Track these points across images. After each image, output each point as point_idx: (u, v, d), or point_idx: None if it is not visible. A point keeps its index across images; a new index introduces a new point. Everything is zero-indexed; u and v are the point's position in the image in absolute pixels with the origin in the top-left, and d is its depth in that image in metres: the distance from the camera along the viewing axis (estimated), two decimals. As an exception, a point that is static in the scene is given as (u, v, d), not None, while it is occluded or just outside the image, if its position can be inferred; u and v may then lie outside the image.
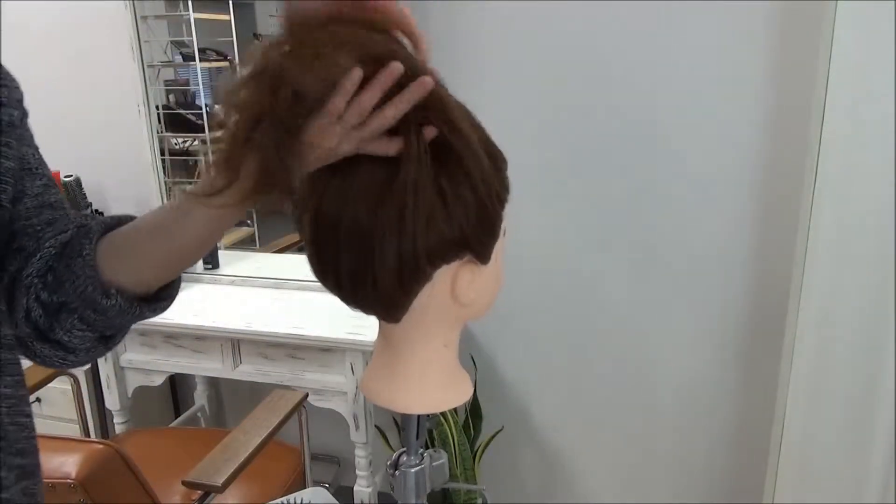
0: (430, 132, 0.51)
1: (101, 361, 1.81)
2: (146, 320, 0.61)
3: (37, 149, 0.60)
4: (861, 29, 1.23)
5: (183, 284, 0.64)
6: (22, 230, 0.58)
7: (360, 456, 1.72)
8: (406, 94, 0.49)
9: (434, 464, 0.67)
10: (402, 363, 0.58)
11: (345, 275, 0.54)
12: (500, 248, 0.58)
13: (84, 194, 1.95)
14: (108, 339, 0.62)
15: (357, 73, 0.47)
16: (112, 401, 1.85)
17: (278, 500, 1.09)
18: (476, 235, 0.54)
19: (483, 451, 1.84)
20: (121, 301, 0.56)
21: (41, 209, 0.59)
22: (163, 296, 0.61)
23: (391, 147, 0.51)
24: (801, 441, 1.47)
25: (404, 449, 0.66)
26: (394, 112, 0.49)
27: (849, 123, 1.28)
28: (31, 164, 0.59)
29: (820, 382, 1.42)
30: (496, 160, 0.56)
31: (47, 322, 0.58)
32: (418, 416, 0.64)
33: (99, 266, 0.56)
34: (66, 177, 1.91)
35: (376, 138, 0.51)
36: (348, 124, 0.49)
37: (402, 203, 0.50)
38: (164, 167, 1.95)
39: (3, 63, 0.56)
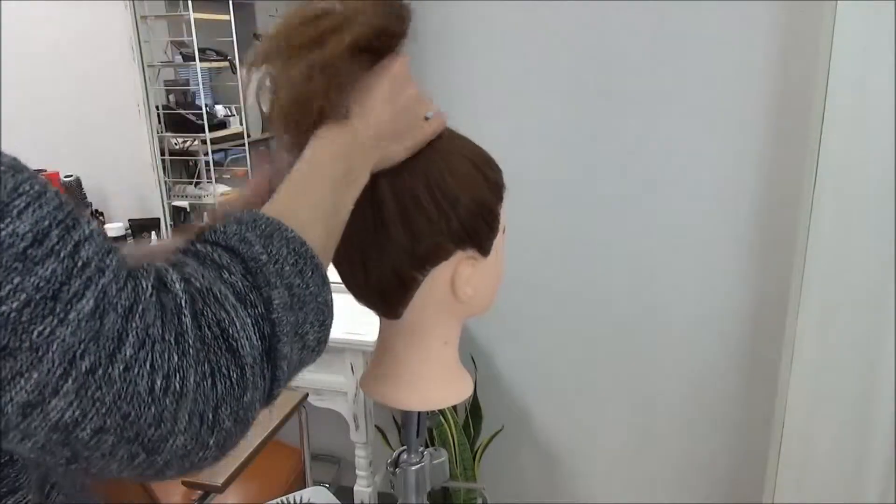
0: None
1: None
2: None
3: None
4: (861, 28, 1.24)
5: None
6: None
7: (360, 456, 1.71)
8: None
9: (434, 462, 0.67)
10: (403, 360, 0.58)
11: (346, 272, 0.55)
12: (501, 246, 0.58)
13: (84, 194, 1.95)
14: None
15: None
16: (112, 401, 1.84)
17: (278, 500, 1.09)
18: (460, 236, 0.54)
19: (483, 451, 1.84)
20: None
21: None
22: None
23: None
24: (801, 441, 1.47)
25: (405, 447, 0.66)
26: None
27: (849, 122, 1.28)
28: None
29: (820, 382, 1.42)
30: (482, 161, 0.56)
31: None
32: (418, 414, 0.64)
33: None
34: (66, 177, 1.91)
35: None
36: None
37: (380, 215, 0.52)
38: (164, 167, 1.95)
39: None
